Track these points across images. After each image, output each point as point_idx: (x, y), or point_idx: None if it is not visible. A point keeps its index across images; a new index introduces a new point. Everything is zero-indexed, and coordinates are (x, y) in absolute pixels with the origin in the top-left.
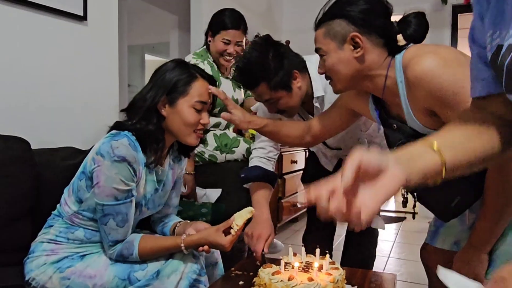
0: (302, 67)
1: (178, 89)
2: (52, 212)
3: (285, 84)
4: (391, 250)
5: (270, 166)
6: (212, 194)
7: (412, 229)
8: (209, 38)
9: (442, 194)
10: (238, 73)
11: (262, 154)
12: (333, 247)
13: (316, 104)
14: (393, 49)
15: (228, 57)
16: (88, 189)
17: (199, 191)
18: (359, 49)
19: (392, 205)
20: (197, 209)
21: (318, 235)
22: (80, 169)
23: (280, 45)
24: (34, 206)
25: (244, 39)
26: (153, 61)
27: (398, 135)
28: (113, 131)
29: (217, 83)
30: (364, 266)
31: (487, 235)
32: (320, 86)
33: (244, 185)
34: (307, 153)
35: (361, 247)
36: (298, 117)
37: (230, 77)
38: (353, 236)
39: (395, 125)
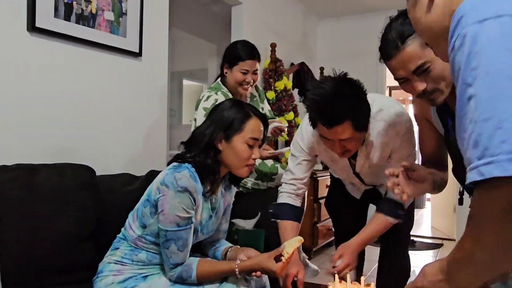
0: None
1: (234, 127)
2: (117, 235)
3: (365, 126)
4: None
5: (298, 202)
6: (248, 224)
7: None
8: (226, 70)
9: None
10: (322, 107)
11: (292, 191)
12: (369, 273)
13: (363, 147)
14: None
15: (246, 86)
16: (152, 216)
17: (238, 221)
18: None
19: (428, 231)
20: (232, 235)
21: None
22: (144, 196)
23: (360, 84)
24: (97, 228)
25: (259, 67)
26: (190, 86)
27: None
28: (175, 163)
29: None
30: None
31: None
32: None
33: (273, 220)
34: (330, 180)
35: (396, 272)
36: (347, 161)
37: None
38: (387, 260)
39: None
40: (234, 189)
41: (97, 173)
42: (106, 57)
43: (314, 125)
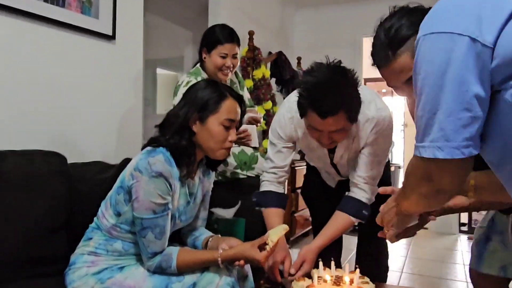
0: None
1: (209, 107)
2: (90, 224)
3: (356, 117)
4: (404, 265)
5: (281, 189)
6: (228, 213)
7: (423, 244)
8: (204, 55)
9: None
10: (316, 96)
11: (274, 179)
12: (346, 261)
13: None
14: None
15: (226, 71)
16: (126, 203)
17: (218, 211)
18: None
19: None
20: (212, 224)
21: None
22: (117, 183)
23: (354, 74)
24: (69, 218)
25: (238, 51)
26: (165, 75)
27: None
28: (149, 148)
29: None
30: (379, 278)
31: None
32: None
33: (257, 208)
34: (306, 168)
35: (375, 260)
36: (326, 151)
37: None
38: (366, 249)
39: None
40: (213, 175)
41: (68, 161)
42: (77, 38)
43: (303, 114)
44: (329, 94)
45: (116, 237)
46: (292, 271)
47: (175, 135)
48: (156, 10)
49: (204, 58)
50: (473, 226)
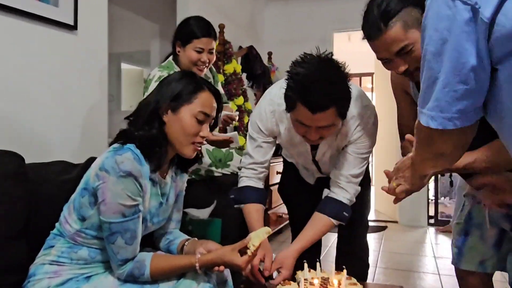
0: None
1: (183, 97)
2: (51, 231)
3: (346, 114)
4: (378, 259)
5: (260, 184)
6: (203, 214)
7: (394, 238)
8: (178, 49)
9: None
10: (308, 90)
11: (253, 175)
12: (322, 257)
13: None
14: None
15: (201, 66)
16: (91, 206)
17: (192, 211)
18: None
19: (372, 214)
20: (186, 226)
21: None
22: (81, 185)
23: (345, 68)
24: (29, 224)
25: (215, 46)
26: (130, 70)
27: None
28: (116, 145)
29: None
30: (359, 276)
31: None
32: None
33: (236, 206)
34: (283, 164)
35: (356, 257)
36: (308, 148)
37: None
38: (347, 247)
39: None
40: (186, 174)
41: (26, 161)
42: (34, 28)
43: (291, 108)
44: (321, 88)
45: (81, 243)
46: (266, 273)
47: (145, 124)
48: (120, 1)
49: (178, 52)
50: (439, 218)
